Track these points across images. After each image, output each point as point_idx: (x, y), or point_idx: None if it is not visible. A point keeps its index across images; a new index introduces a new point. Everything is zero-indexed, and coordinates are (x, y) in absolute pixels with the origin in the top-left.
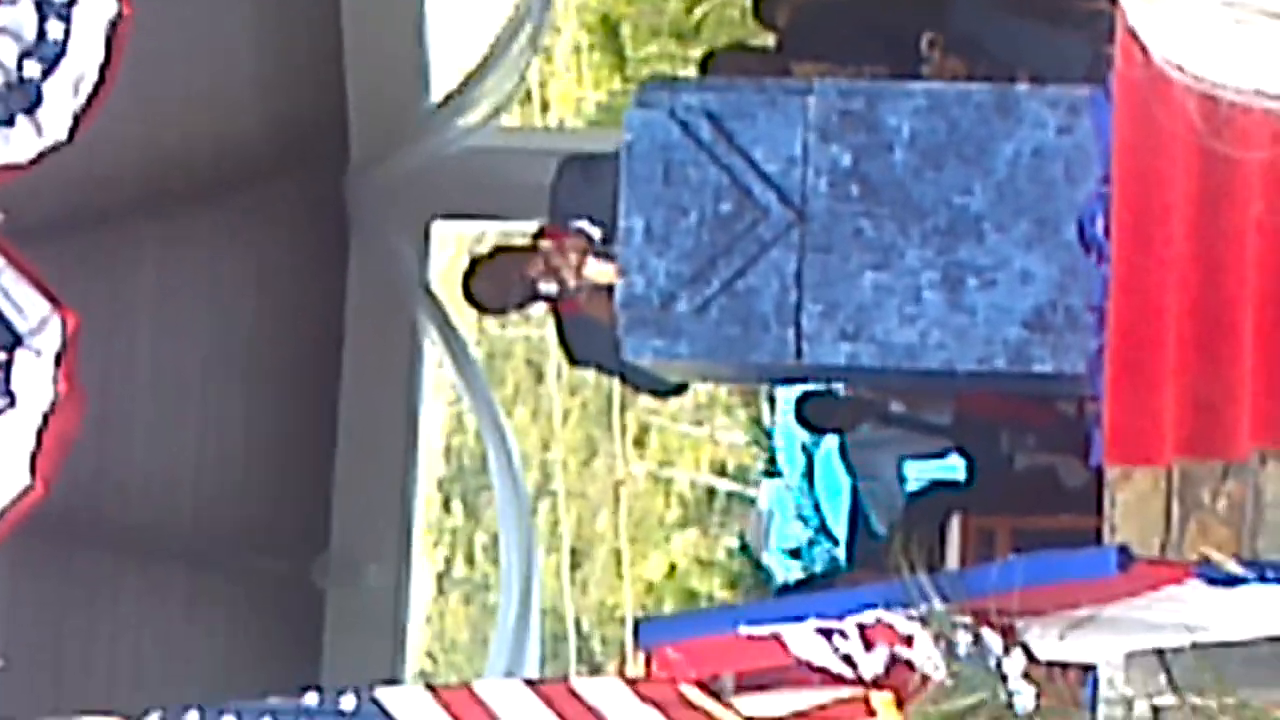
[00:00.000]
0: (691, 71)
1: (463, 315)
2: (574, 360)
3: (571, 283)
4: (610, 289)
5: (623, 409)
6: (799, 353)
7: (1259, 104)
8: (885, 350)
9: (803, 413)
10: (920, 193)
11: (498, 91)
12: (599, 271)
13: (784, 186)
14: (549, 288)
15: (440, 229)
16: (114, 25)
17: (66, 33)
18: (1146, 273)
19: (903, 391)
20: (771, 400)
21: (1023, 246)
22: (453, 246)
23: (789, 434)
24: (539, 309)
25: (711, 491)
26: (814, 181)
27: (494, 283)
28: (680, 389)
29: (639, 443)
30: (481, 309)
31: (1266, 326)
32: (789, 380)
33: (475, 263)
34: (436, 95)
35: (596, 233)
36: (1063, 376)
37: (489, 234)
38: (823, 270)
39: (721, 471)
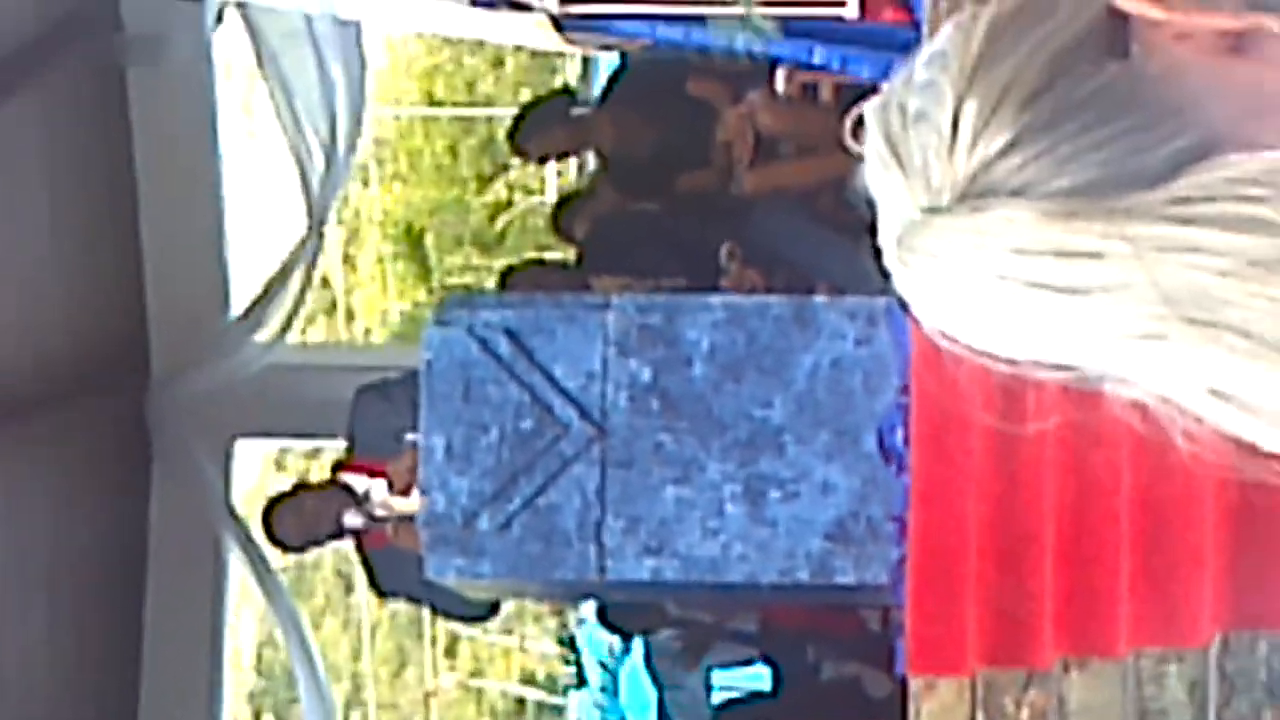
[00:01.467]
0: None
1: None
2: (382, 593)
3: (378, 514)
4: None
5: (433, 619)
6: (602, 569)
7: (1036, 374)
8: (688, 564)
9: (607, 617)
10: (720, 406)
11: (287, 307)
12: (406, 502)
13: (584, 402)
14: (354, 521)
15: (245, 446)
16: None
17: None
18: (946, 483)
19: (708, 603)
20: (575, 610)
21: (823, 458)
22: (259, 464)
23: (594, 645)
24: (344, 543)
25: (521, 702)
26: (614, 397)
27: (297, 521)
28: (491, 612)
29: (449, 652)
30: (285, 548)
31: (1067, 534)
32: (594, 597)
33: (276, 501)
34: (237, 311)
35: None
36: (865, 587)
37: (294, 450)
38: (624, 485)
39: (531, 681)
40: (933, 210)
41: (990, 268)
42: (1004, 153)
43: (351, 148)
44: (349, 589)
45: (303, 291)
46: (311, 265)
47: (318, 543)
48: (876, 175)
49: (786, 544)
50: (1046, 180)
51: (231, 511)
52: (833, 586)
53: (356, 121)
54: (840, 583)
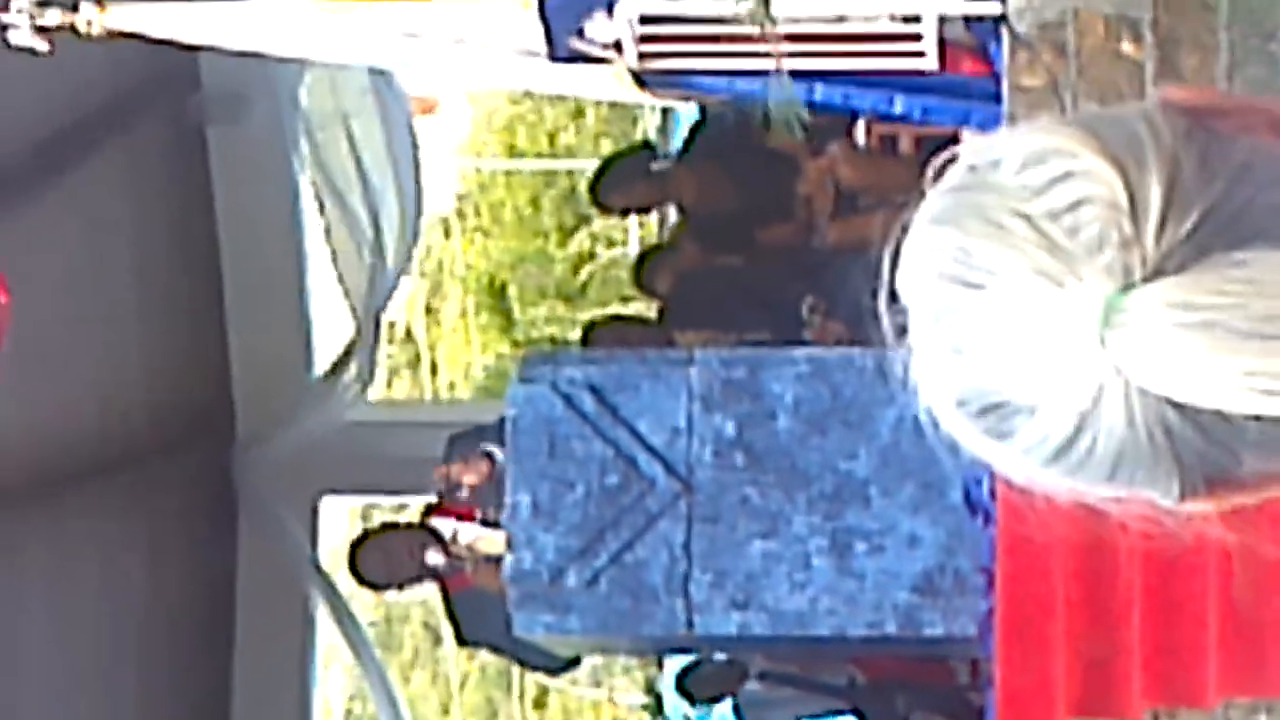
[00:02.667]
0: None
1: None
2: (463, 640)
3: (462, 555)
4: (499, 559)
5: (522, 672)
6: (690, 624)
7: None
8: (776, 618)
9: (684, 687)
10: (805, 459)
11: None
12: (488, 541)
13: (669, 458)
14: (437, 559)
15: (331, 503)
16: None
17: None
18: (1033, 534)
19: (796, 657)
20: (660, 663)
21: (909, 510)
22: (346, 521)
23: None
24: (428, 588)
25: None
26: (699, 451)
27: (381, 559)
28: (573, 663)
29: (539, 704)
30: (368, 585)
31: (1155, 585)
32: (682, 651)
33: (361, 539)
34: (321, 369)
35: (500, 453)
36: (954, 639)
37: (380, 506)
38: (711, 540)
39: None
40: (1145, 280)
41: (1241, 321)
42: (1193, 232)
43: (409, 241)
44: (437, 641)
45: (371, 357)
46: (373, 358)
47: (402, 583)
48: (1018, 274)
49: (874, 597)
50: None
51: (318, 567)
52: (921, 639)
53: (413, 222)
54: (928, 635)
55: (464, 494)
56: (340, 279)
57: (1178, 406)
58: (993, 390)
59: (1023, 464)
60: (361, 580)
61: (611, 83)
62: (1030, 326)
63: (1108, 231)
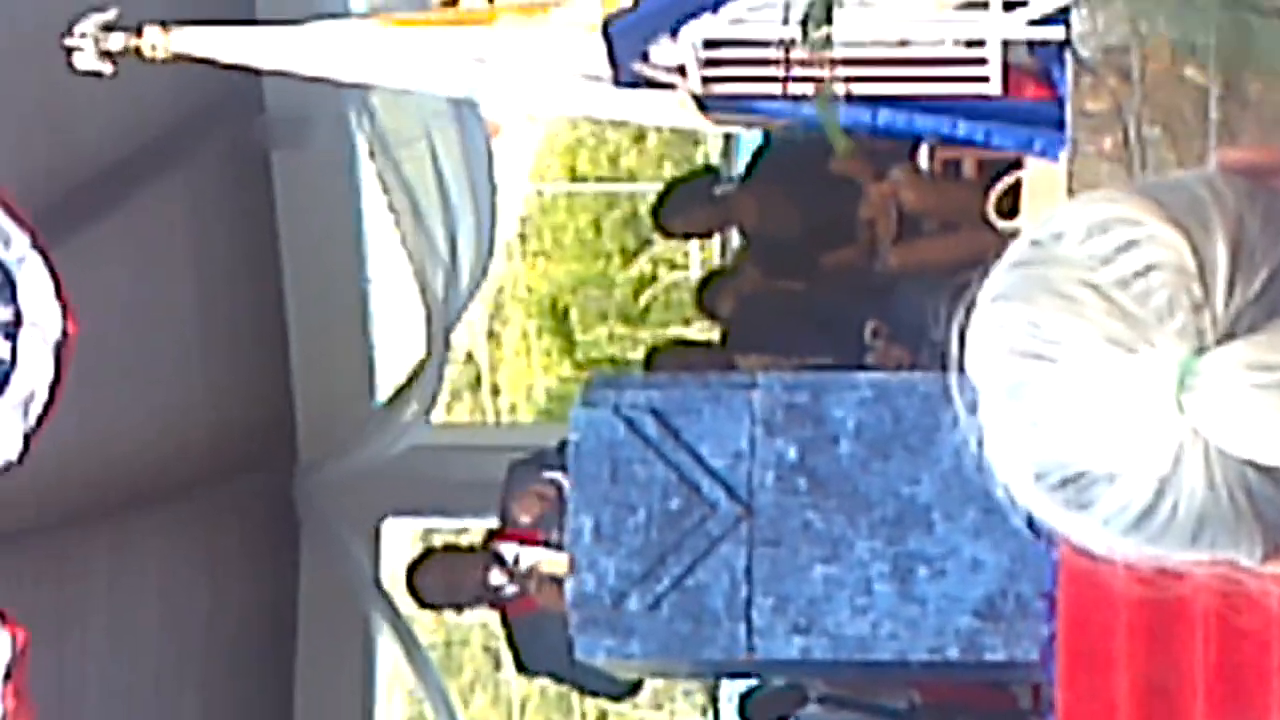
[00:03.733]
0: (642, 353)
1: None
2: (523, 668)
3: (524, 571)
4: (563, 580)
5: (582, 695)
6: (751, 648)
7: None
8: (838, 643)
9: (746, 714)
10: (867, 484)
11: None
12: (551, 562)
13: (731, 482)
14: (499, 579)
15: (393, 526)
16: (60, 345)
17: (13, 353)
18: (1095, 558)
19: (858, 681)
20: (716, 688)
21: (971, 535)
22: (409, 543)
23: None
24: (488, 613)
25: None
26: (761, 476)
27: (440, 579)
28: (634, 689)
29: None
30: (424, 604)
31: (1217, 609)
32: (742, 675)
33: (422, 558)
34: (384, 392)
35: (567, 483)
36: (1016, 664)
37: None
38: (772, 564)
39: None
40: (1218, 343)
41: None
42: (1262, 292)
43: (484, 257)
44: (497, 665)
45: (439, 376)
46: (440, 373)
47: (460, 604)
48: (1091, 343)
49: (936, 621)
50: None
51: (380, 590)
52: (983, 664)
53: (488, 233)
54: (990, 660)
55: (526, 521)
56: (422, 293)
57: (1258, 467)
58: (1071, 461)
59: (1103, 534)
60: (419, 599)
61: (675, 109)
62: (1106, 394)
63: (1177, 296)
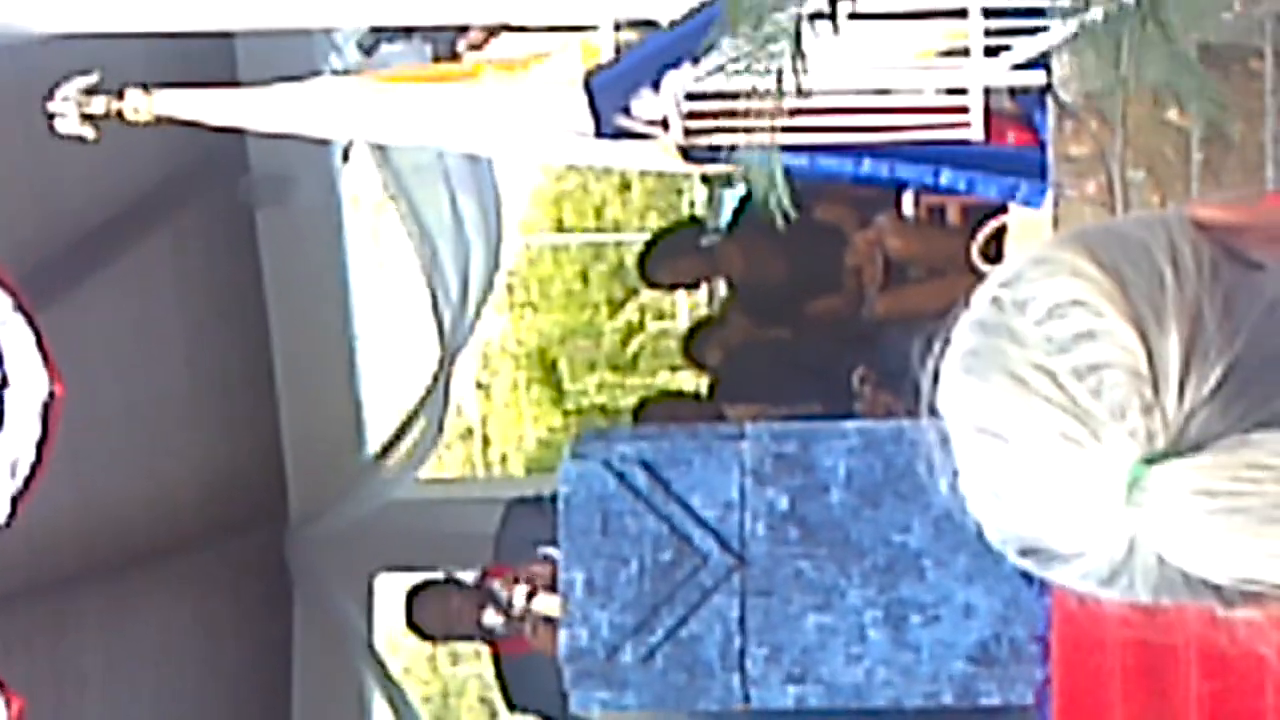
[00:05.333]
0: (632, 400)
1: (415, 657)
2: (513, 705)
3: (518, 612)
4: (556, 622)
5: None
6: (746, 697)
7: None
8: (832, 690)
9: None
10: (859, 531)
11: (424, 444)
12: (547, 604)
13: (723, 532)
14: (494, 620)
15: (388, 581)
16: (47, 406)
17: (0, 415)
18: (1088, 602)
19: None
20: None
21: (964, 580)
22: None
23: None
24: (483, 665)
25: None
26: (752, 526)
27: (438, 612)
28: None
29: None
30: (422, 635)
31: (1210, 650)
32: None
33: (421, 588)
34: (373, 446)
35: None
36: (1011, 708)
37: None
38: (765, 614)
39: None
40: (1166, 455)
41: (1262, 506)
42: (1216, 390)
43: (489, 284)
44: (493, 715)
45: (440, 427)
46: (445, 400)
47: (459, 638)
48: (1042, 434)
49: (930, 668)
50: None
51: (373, 652)
52: (978, 709)
53: (494, 255)
54: (985, 704)
55: (520, 592)
56: (435, 315)
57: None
58: (1029, 537)
59: (1074, 585)
60: (415, 628)
61: (657, 155)
62: (1057, 484)
63: (1129, 397)
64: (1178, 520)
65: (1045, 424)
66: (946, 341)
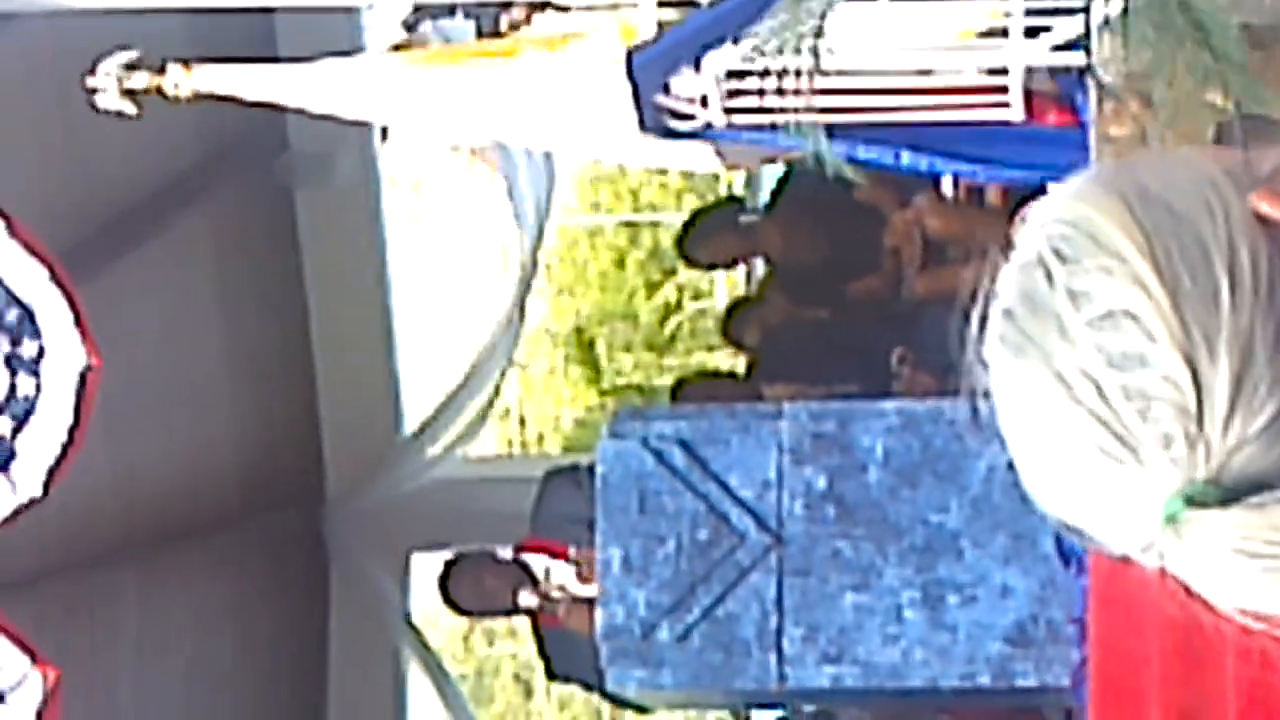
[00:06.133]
0: (668, 380)
1: (451, 636)
2: (553, 674)
3: (553, 595)
4: (591, 601)
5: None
6: (782, 677)
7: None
8: (869, 671)
9: None
10: (896, 511)
11: (466, 421)
12: (583, 587)
13: (760, 511)
14: (529, 601)
15: (423, 560)
16: (84, 377)
17: (37, 388)
18: (1126, 583)
19: (890, 709)
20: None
21: (1001, 561)
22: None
23: None
24: (517, 645)
25: None
26: (790, 505)
27: (473, 588)
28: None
29: None
30: (457, 610)
31: (1249, 632)
32: (771, 706)
33: (456, 562)
34: (411, 425)
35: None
36: (1047, 689)
37: None
38: (802, 593)
39: None
40: (1203, 499)
41: None
42: (1264, 429)
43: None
44: (529, 694)
45: (489, 406)
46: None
47: (497, 614)
48: (1084, 444)
49: (966, 648)
50: None
51: (409, 623)
52: (1014, 689)
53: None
54: (1021, 685)
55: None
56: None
57: None
58: (1071, 519)
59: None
60: (450, 602)
61: (694, 153)
62: (1091, 490)
63: (1174, 428)
64: (1212, 569)
65: (1086, 435)
66: (992, 288)
